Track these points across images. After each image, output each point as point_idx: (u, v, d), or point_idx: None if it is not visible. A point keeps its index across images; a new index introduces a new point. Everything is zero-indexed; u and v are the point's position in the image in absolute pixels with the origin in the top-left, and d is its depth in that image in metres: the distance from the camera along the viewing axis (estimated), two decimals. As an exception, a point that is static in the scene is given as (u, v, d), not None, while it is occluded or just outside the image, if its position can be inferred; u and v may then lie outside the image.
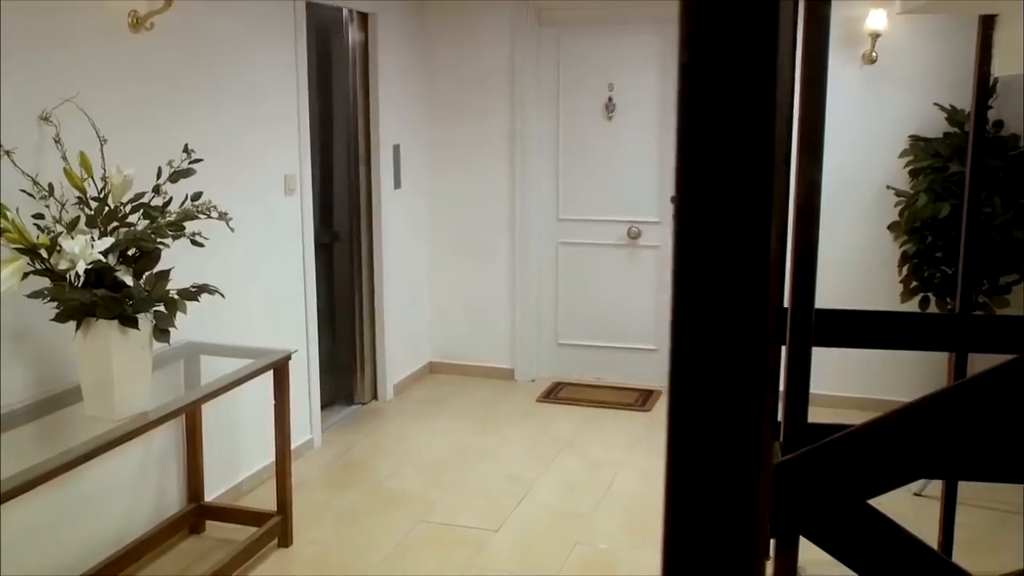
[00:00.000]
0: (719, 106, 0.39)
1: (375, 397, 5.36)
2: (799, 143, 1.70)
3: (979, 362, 3.15)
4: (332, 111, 5.05)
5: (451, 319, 5.87)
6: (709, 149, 0.39)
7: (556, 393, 5.56)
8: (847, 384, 5.00)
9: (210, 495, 3.83)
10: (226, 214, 2.89)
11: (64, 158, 2.82)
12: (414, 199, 5.60)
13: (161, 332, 2.82)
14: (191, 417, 3.67)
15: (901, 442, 1.73)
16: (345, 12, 4.97)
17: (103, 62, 3.20)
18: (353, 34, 5.05)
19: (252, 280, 4.04)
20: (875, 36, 4.82)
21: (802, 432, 1.81)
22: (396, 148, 5.31)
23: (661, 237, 5.54)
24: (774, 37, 0.38)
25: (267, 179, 4.16)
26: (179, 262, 2.99)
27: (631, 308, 5.65)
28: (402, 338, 5.51)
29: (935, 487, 3.76)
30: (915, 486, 3.91)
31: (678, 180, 0.40)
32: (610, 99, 5.49)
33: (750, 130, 0.39)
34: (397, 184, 5.35)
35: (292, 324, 4.40)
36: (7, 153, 2.70)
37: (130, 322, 2.71)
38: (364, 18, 5.08)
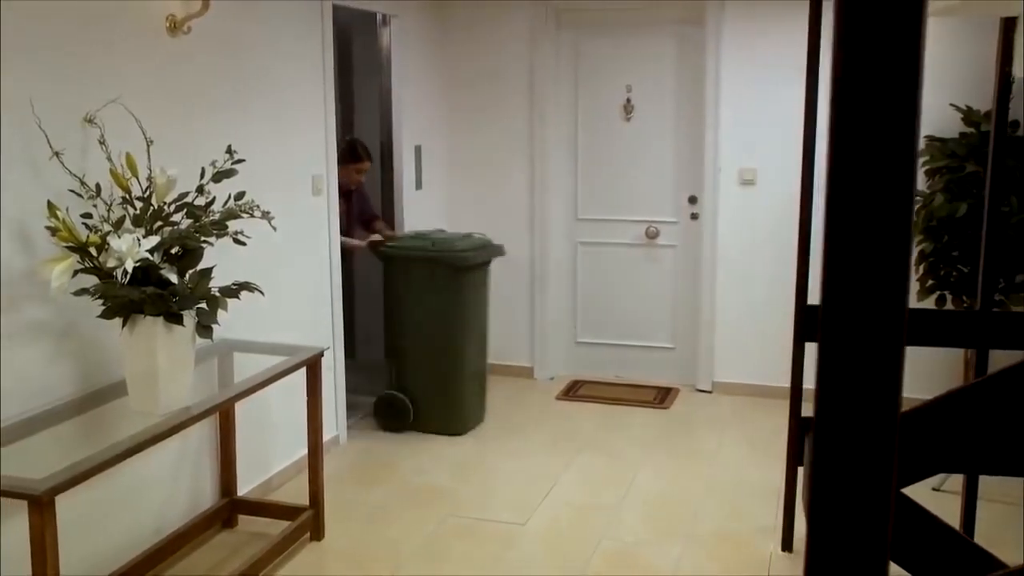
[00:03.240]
0: (867, 117, 0.45)
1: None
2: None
3: (999, 358, 3.22)
4: (363, 112, 5.11)
5: (470, 318, 5.94)
6: (858, 158, 0.45)
7: (575, 391, 5.62)
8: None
9: (242, 490, 3.90)
10: (268, 213, 2.96)
11: (109, 159, 2.89)
12: (435, 199, 5.67)
13: (204, 328, 2.89)
14: (225, 413, 3.74)
15: (925, 437, 1.79)
16: (379, 15, 5.05)
17: (142, 65, 3.27)
18: (384, 36, 5.12)
19: (279, 278, 4.10)
20: (892, 38, 4.88)
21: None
22: (418, 149, 5.38)
23: (679, 237, 5.60)
24: (917, 59, 0.45)
25: (296, 179, 4.23)
26: (209, 261, 3.04)
27: (649, 307, 5.71)
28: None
29: (954, 482, 3.82)
30: (934, 481, 3.97)
31: (829, 186, 0.47)
32: (628, 100, 5.56)
33: (895, 144, 0.45)
34: (419, 184, 5.42)
35: (318, 322, 4.47)
36: (56, 154, 2.77)
37: (175, 319, 2.78)
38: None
